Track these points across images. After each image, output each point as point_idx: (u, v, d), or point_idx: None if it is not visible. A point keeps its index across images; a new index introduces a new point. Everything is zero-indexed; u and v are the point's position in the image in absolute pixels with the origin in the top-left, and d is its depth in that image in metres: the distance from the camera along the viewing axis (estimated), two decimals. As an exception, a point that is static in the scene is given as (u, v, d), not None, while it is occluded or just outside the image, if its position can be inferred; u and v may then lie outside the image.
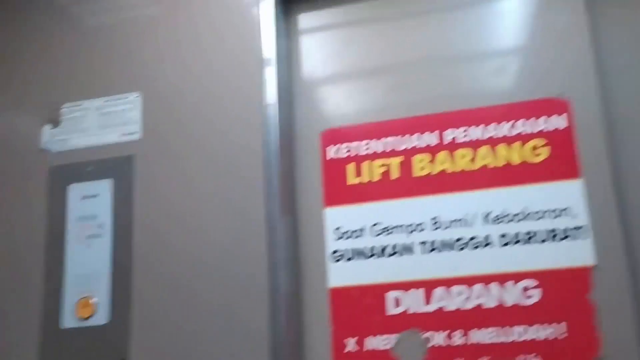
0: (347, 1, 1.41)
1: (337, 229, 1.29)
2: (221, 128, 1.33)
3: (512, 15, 1.30)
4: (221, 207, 1.29)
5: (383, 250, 1.26)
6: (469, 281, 1.20)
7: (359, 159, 1.32)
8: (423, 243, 1.24)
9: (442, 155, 1.27)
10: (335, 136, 1.34)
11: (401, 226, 1.26)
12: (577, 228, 1.17)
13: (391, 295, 1.24)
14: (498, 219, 1.21)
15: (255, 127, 1.30)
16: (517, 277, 1.19)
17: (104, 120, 1.40)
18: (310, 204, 1.33)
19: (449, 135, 1.28)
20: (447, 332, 1.19)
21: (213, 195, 1.30)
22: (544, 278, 1.17)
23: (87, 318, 1.30)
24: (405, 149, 1.29)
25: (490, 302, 1.19)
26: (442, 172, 1.26)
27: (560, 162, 1.20)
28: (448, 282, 1.21)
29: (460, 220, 1.23)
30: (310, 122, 1.37)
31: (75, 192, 1.38)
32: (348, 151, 1.33)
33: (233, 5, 1.39)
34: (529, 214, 1.20)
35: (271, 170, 1.28)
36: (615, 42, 1.25)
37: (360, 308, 1.25)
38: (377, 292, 1.25)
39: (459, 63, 1.31)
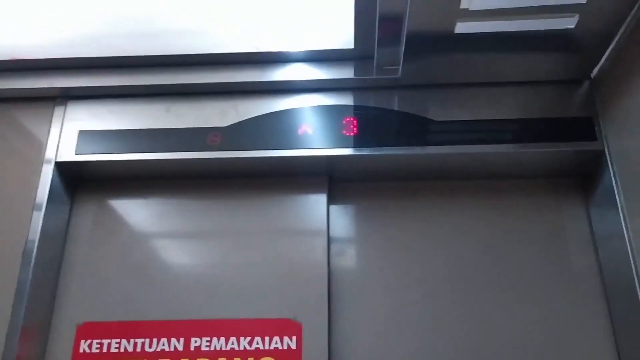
0: (131, 192, 1.53)
1: None
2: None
3: (261, 240, 1.46)
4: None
5: None
6: None
7: (107, 357, 1.35)
8: None
9: (184, 362, 1.34)
10: (89, 331, 1.37)
11: None
12: None
13: None
14: None
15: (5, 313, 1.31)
16: None
17: None
18: (51, 398, 1.32)
19: (194, 343, 1.35)
20: None
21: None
22: None
23: None
24: (153, 352, 1.35)
25: None
26: (183, 378, 1.33)
27: (287, 381, 1.31)
28: None
29: None
30: (69, 311, 1.40)
31: None
32: (98, 348, 1.36)
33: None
34: None
35: (8, 354, 1.27)
36: (345, 275, 1.44)
37: None
38: None
39: (209, 275, 1.42)
